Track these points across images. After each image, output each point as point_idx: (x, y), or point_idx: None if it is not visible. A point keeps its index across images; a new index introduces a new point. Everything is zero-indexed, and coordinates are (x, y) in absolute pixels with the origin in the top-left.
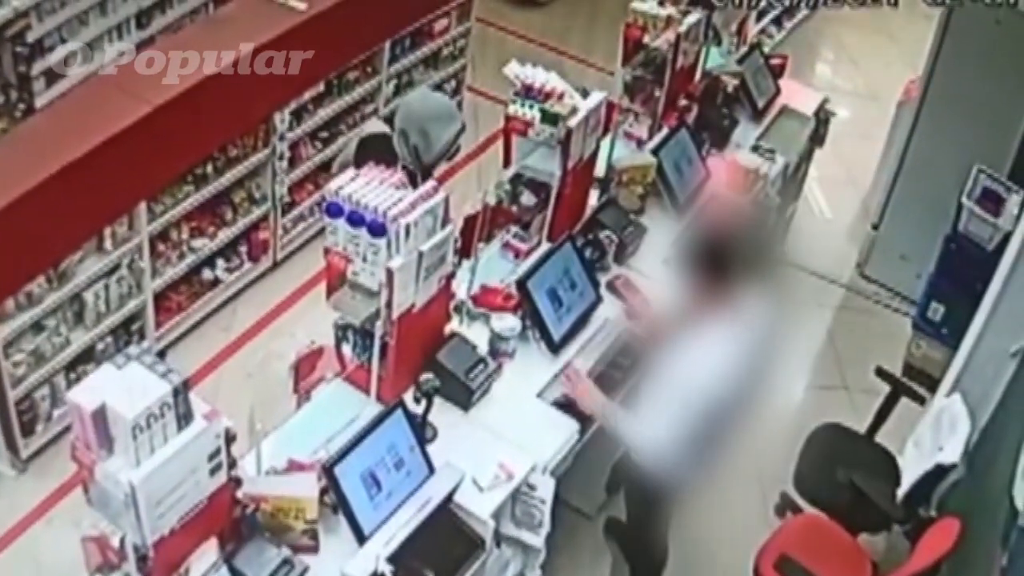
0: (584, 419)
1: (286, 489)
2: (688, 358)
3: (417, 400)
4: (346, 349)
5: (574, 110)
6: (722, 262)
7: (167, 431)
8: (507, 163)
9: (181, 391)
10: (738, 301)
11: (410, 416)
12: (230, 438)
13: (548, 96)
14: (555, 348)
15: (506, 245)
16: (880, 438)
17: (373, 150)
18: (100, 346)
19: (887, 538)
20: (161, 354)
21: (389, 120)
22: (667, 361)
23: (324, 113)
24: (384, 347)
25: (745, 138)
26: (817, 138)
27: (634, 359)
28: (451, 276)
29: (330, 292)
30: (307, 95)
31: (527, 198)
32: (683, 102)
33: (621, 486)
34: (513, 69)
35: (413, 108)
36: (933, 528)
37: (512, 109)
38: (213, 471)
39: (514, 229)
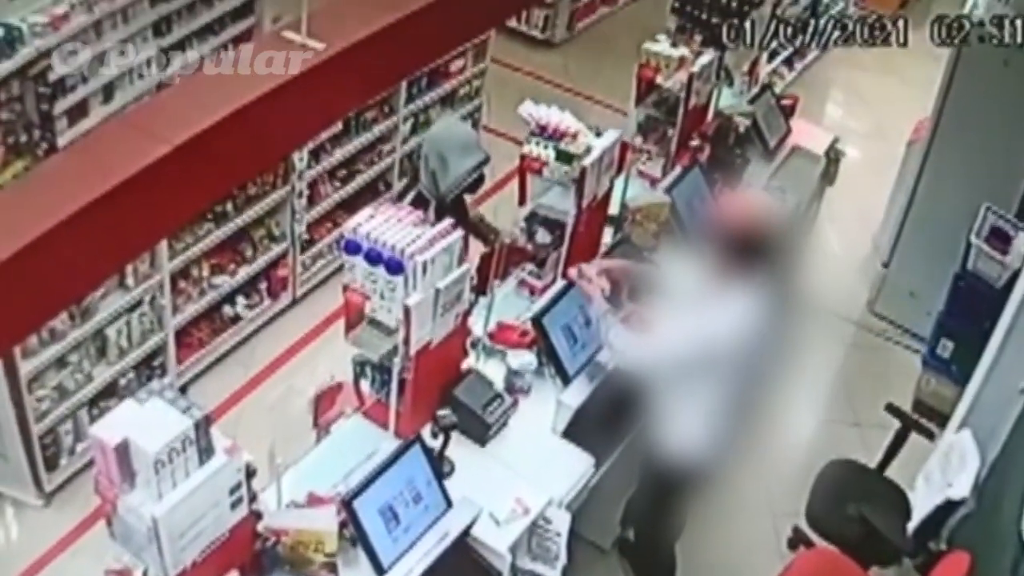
0: (598, 454)
1: (306, 522)
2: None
3: (435, 435)
4: (364, 385)
5: (588, 149)
6: (752, 252)
7: (189, 465)
8: (522, 201)
9: (202, 426)
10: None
11: (428, 451)
12: (251, 472)
13: (562, 135)
14: (570, 383)
15: (522, 282)
16: (891, 473)
17: None
18: (122, 381)
19: (898, 572)
20: (183, 389)
21: None
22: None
23: (342, 152)
24: (402, 383)
25: (757, 177)
26: (828, 177)
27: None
28: (467, 313)
29: (348, 328)
30: (325, 134)
31: (542, 236)
32: (695, 141)
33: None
34: (528, 109)
35: (436, 134)
36: (943, 562)
37: (527, 148)
38: (234, 505)
39: (529, 266)
